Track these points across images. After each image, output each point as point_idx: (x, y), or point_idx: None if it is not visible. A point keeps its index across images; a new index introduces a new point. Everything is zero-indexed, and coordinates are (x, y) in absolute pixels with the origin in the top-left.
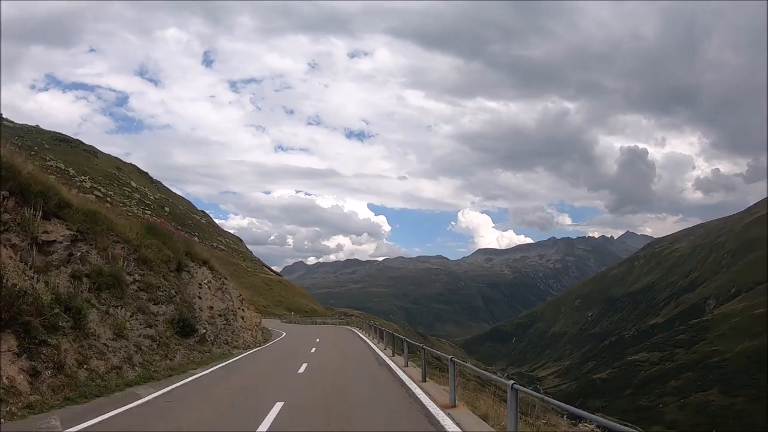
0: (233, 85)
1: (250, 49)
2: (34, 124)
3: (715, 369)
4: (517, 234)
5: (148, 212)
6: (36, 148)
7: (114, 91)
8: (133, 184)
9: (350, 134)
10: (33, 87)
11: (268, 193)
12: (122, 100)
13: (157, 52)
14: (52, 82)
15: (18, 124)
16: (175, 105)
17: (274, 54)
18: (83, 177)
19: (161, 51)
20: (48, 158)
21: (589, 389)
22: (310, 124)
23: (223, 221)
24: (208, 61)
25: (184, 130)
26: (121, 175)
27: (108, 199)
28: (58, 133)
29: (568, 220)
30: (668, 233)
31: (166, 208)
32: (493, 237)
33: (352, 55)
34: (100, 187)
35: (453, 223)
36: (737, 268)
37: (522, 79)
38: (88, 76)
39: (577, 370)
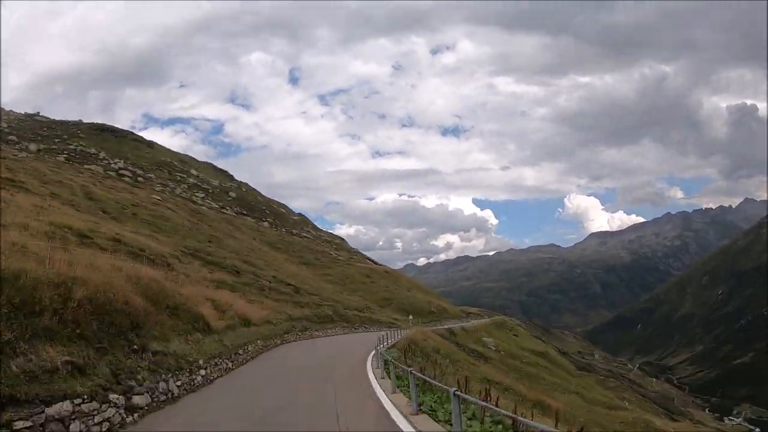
0: (322, 99)
1: (334, 60)
2: None
3: None
4: (627, 214)
5: (201, 194)
6: (64, 136)
7: (209, 120)
8: (194, 172)
9: (445, 131)
10: (133, 128)
11: (371, 199)
12: (218, 128)
13: (244, 77)
14: (150, 121)
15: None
16: (269, 125)
17: (358, 61)
18: (117, 160)
19: (248, 75)
20: (72, 143)
21: (732, 377)
22: (403, 126)
23: (330, 231)
24: (294, 79)
25: (280, 147)
26: (181, 166)
27: (139, 179)
28: (101, 123)
29: (679, 194)
30: None
31: (231, 194)
32: (603, 220)
33: (435, 51)
34: (137, 170)
35: (560, 209)
36: None
37: (613, 48)
38: (182, 110)
39: (713, 356)
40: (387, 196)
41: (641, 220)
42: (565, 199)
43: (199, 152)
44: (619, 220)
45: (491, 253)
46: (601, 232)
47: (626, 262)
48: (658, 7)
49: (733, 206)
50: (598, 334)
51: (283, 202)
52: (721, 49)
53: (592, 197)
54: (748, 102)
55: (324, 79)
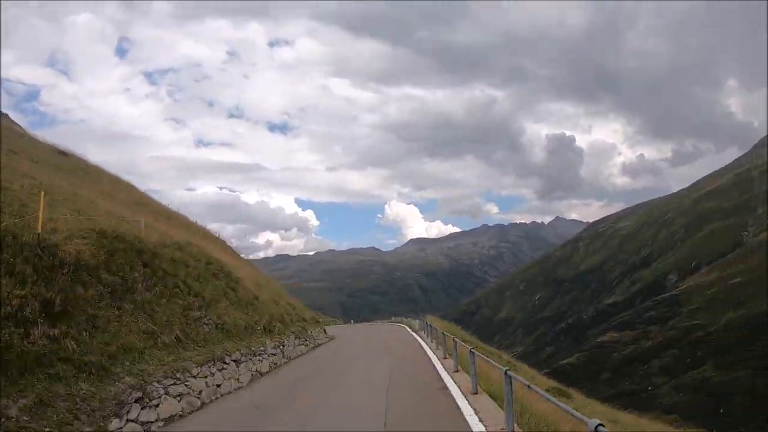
0: (149, 76)
1: (167, 36)
2: None
3: (702, 344)
4: (445, 224)
5: None
6: None
7: (23, 84)
8: None
9: (273, 127)
10: None
11: (191, 190)
12: (33, 94)
13: (67, 39)
14: None
15: None
16: (90, 99)
17: (191, 41)
18: None
19: (72, 38)
20: None
21: (560, 377)
22: (231, 116)
23: None
24: (121, 50)
25: (100, 124)
26: None
27: None
28: None
29: (495, 209)
30: (595, 218)
31: None
32: (422, 228)
33: (273, 44)
34: None
35: (380, 215)
36: (693, 241)
37: (449, 66)
38: None
39: (535, 356)
40: (208, 189)
41: (457, 230)
42: (386, 206)
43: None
44: (437, 229)
45: (311, 253)
46: (420, 238)
47: (445, 268)
48: (497, 33)
49: (545, 223)
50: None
51: None
52: (547, 83)
53: (411, 205)
54: (567, 132)
55: (153, 55)
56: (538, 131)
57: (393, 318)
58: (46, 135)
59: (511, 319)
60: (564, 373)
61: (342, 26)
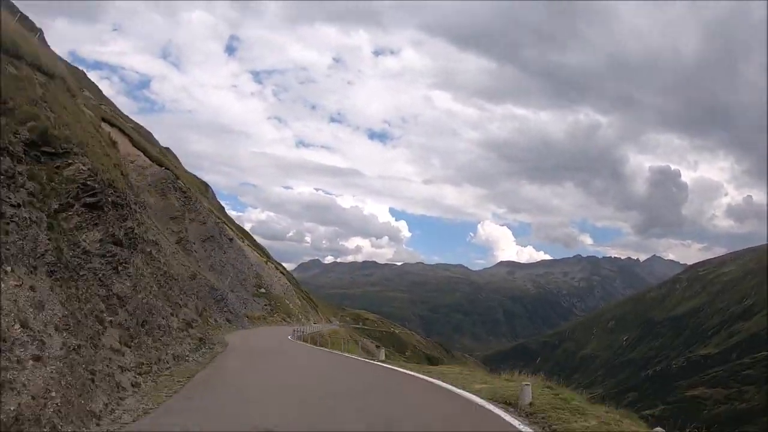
0: (256, 75)
1: (275, 38)
2: None
3: None
4: (536, 250)
5: None
6: None
7: (137, 72)
8: None
9: (372, 134)
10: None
11: (288, 188)
12: (145, 82)
13: (181, 34)
14: (76, 60)
15: None
16: (198, 91)
17: (299, 45)
18: None
19: (186, 33)
20: None
21: None
22: (333, 120)
23: (240, 214)
24: (231, 48)
25: (205, 117)
26: None
27: None
28: None
29: (589, 240)
30: (694, 261)
31: None
32: (513, 251)
33: (378, 53)
34: None
35: (472, 233)
36: None
37: (555, 87)
38: (111, 55)
39: (615, 401)
40: (304, 188)
41: (549, 257)
42: (479, 226)
43: (122, 104)
44: (528, 254)
45: (399, 263)
46: (510, 261)
47: (532, 294)
48: (606, 57)
49: (641, 260)
50: (497, 362)
51: (197, 174)
52: (655, 111)
53: (505, 227)
54: (672, 166)
55: (261, 55)
56: (641, 162)
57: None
58: (152, 121)
59: (595, 357)
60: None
61: (448, 39)
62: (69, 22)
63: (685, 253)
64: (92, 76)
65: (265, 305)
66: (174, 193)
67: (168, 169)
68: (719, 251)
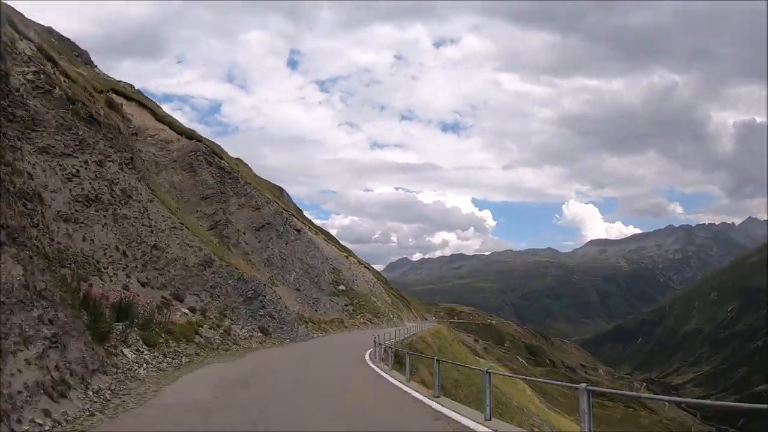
0: (321, 84)
1: (334, 45)
2: None
3: None
4: (625, 225)
5: None
6: None
7: (206, 99)
8: None
9: (445, 126)
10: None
11: (367, 191)
12: (215, 107)
13: (241, 55)
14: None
15: None
16: (266, 107)
17: (358, 48)
18: None
19: (246, 54)
20: None
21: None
22: (403, 118)
23: (325, 221)
24: (293, 62)
25: (276, 131)
26: None
27: None
28: None
29: (679, 209)
30: None
31: None
32: (601, 229)
33: (439, 44)
34: None
35: (557, 215)
36: None
37: (623, 52)
38: (178, 86)
39: (725, 379)
40: (384, 189)
41: (639, 231)
42: (563, 206)
43: (198, 131)
44: (617, 230)
45: (487, 253)
46: (600, 239)
47: (626, 271)
48: (673, 12)
49: (736, 224)
50: (596, 345)
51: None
52: (733, 63)
53: (590, 205)
54: (758, 119)
55: (323, 64)
56: (724, 119)
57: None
58: (227, 143)
59: (698, 332)
60: (759, 401)
61: (507, 19)
62: (134, 61)
63: None
64: (165, 108)
65: (346, 305)
66: (207, 169)
67: (200, 141)
68: None
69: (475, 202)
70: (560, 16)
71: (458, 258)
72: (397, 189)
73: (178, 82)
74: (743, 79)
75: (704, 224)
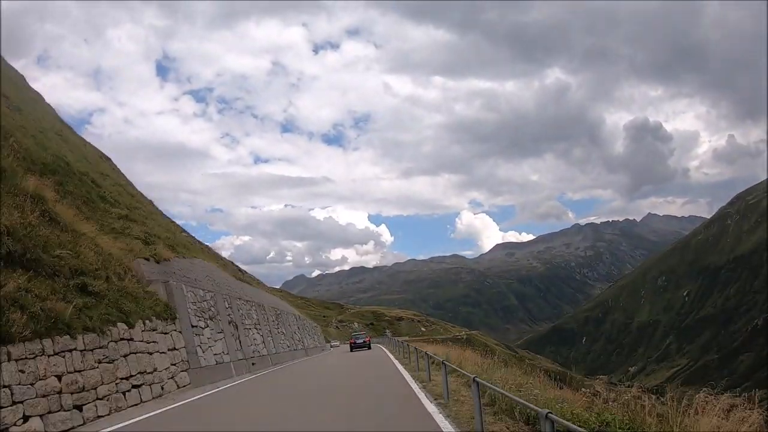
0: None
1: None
2: None
3: None
4: (518, 233)
5: None
6: None
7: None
8: None
9: (329, 139)
10: None
11: (256, 207)
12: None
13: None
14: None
15: None
16: (139, 119)
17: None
18: None
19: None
20: None
21: None
22: (285, 131)
23: (215, 242)
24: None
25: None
26: None
27: None
28: None
29: (571, 214)
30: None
31: None
32: (498, 237)
33: (317, 49)
34: None
35: (449, 226)
36: None
37: (520, 52)
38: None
39: (723, 370)
40: (274, 206)
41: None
42: (456, 219)
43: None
44: (514, 238)
45: (390, 264)
46: (506, 243)
47: (540, 272)
48: (570, 8)
49: (638, 220)
50: (534, 351)
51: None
52: (627, 63)
53: (483, 215)
54: (651, 119)
55: (196, 71)
56: (616, 121)
57: None
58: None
59: (656, 323)
60: None
61: (400, 13)
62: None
63: (671, 209)
64: None
65: None
66: None
67: None
68: (702, 203)
69: (370, 218)
70: (456, 12)
71: (359, 271)
72: (286, 206)
73: (43, 85)
74: (636, 78)
75: (608, 221)
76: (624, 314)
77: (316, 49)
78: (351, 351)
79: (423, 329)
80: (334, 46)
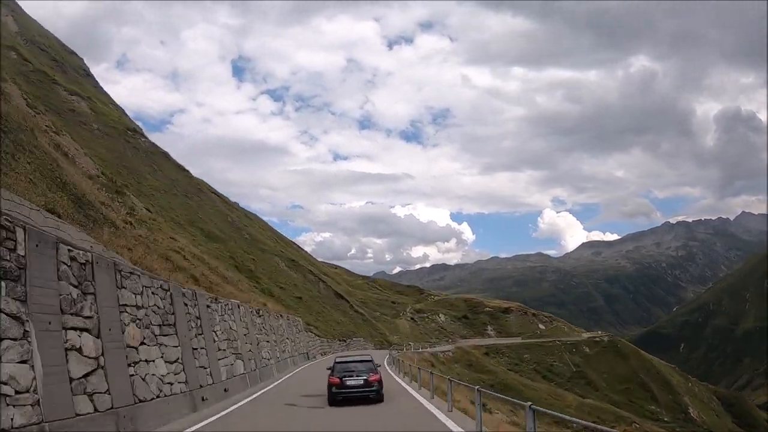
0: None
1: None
2: None
3: None
4: (602, 233)
5: None
6: None
7: (155, 109)
8: None
9: (408, 136)
10: None
11: (336, 204)
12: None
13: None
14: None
15: None
16: (217, 118)
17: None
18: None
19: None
20: None
21: None
22: (364, 128)
23: (298, 238)
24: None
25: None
26: None
27: None
28: None
29: (657, 215)
30: None
31: None
32: (582, 237)
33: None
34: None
35: (531, 225)
36: None
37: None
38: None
39: None
40: (355, 203)
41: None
42: (539, 218)
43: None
44: (598, 238)
45: (472, 262)
46: (592, 241)
47: (629, 272)
48: None
49: (731, 219)
50: None
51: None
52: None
53: (567, 213)
54: (744, 108)
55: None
56: (707, 111)
57: None
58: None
59: (763, 330)
60: None
61: (476, 2)
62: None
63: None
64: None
65: None
66: None
67: None
68: None
69: (452, 215)
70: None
71: (440, 269)
72: (368, 203)
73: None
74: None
75: (701, 220)
76: (727, 320)
77: (390, 44)
78: (330, 404)
79: (542, 327)
80: (408, 40)
